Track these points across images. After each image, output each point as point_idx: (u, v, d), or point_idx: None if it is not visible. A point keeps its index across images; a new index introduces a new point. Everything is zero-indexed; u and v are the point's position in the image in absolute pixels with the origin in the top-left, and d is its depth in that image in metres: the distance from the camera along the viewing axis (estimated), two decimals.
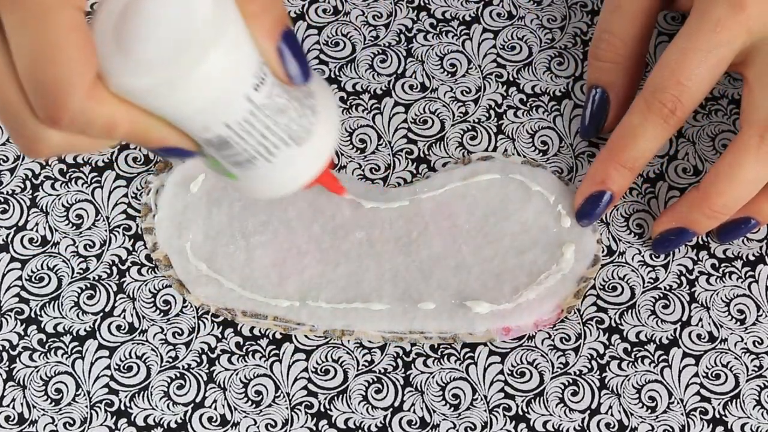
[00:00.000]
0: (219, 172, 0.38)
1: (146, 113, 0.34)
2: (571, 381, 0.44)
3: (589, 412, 0.44)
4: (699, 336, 0.45)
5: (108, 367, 0.45)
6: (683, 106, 0.43)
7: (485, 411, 0.44)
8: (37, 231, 0.47)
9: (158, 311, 0.46)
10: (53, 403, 0.44)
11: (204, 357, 0.45)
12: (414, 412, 0.44)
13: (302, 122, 0.36)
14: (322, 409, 0.44)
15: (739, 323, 0.45)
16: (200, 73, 0.32)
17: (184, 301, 0.46)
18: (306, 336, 0.45)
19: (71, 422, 0.43)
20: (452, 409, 0.44)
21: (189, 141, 0.36)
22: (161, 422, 0.44)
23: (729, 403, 0.44)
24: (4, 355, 0.45)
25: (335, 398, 0.44)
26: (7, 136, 0.49)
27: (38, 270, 0.46)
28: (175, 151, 0.36)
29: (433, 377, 0.44)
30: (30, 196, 0.48)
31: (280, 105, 0.35)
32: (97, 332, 0.45)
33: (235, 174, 0.37)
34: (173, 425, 0.43)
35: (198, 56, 0.32)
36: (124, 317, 0.45)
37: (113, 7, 0.34)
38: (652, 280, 0.46)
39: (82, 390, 0.44)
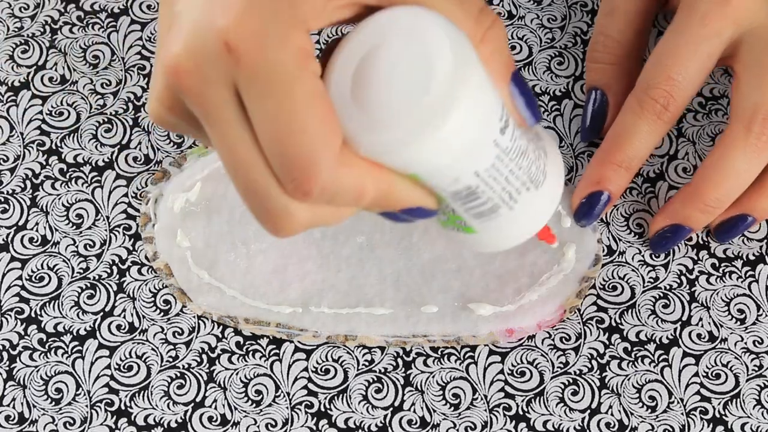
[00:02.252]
0: (453, 229, 0.37)
1: (394, 174, 0.33)
2: (571, 380, 0.44)
3: (589, 411, 0.44)
4: (699, 336, 0.45)
5: (108, 366, 0.45)
6: (675, 101, 0.43)
7: (485, 410, 0.44)
8: (37, 231, 0.47)
9: (158, 311, 0.46)
10: (53, 403, 0.44)
11: (204, 356, 0.45)
12: (414, 411, 0.44)
13: (539, 164, 0.35)
14: (322, 409, 0.44)
15: (739, 323, 0.45)
16: (452, 122, 0.31)
17: (176, 298, 0.46)
18: None
19: (71, 422, 0.43)
20: (452, 408, 0.44)
21: (433, 199, 0.35)
22: (161, 422, 0.44)
23: (729, 402, 0.44)
24: (5, 354, 0.45)
25: (335, 398, 0.44)
26: (7, 135, 0.49)
27: (38, 270, 0.46)
28: (417, 212, 0.35)
29: (433, 377, 0.44)
30: (30, 196, 0.48)
31: (522, 147, 0.34)
32: (98, 332, 0.45)
33: (475, 227, 0.36)
34: (173, 425, 0.43)
35: (449, 104, 0.31)
36: (124, 317, 0.45)
37: (346, 68, 0.33)
38: (652, 280, 0.46)
39: (83, 389, 0.44)
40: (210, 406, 0.44)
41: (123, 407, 0.44)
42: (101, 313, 0.45)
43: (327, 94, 0.32)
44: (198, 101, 0.32)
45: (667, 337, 0.45)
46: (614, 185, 0.44)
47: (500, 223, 0.36)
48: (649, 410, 0.44)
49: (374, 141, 0.32)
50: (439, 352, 0.45)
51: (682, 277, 0.46)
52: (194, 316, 0.45)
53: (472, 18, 0.34)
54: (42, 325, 0.45)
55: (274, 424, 0.44)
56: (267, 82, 0.31)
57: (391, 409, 0.44)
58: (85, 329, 0.45)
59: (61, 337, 0.45)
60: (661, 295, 0.46)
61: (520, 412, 0.44)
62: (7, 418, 0.44)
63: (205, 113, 0.33)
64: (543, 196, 0.36)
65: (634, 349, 0.45)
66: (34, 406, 0.44)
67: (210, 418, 0.44)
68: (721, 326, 0.45)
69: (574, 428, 0.43)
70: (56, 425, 0.43)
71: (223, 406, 0.44)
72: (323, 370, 0.45)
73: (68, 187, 0.48)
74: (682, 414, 0.44)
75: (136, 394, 0.44)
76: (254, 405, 0.44)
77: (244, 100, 0.32)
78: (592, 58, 0.47)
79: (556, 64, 0.50)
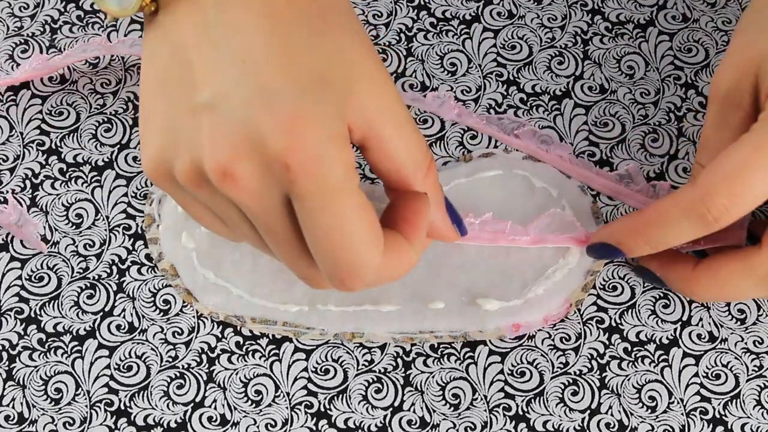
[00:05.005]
0: None
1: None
2: (571, 381, 0.44)
3: (589, 411, 0.44)
4: (699, 336, 0.45)
5: (108, 366, 0.44)
6: (729, 216, 0.39)
7: (485, 411, 0.44)
8: (37, 230, 0.47)
9: (158, 311, 0.46)
10: (53, 403, 0.44)
11: (204, 356, 0.45)
12: (414, 411, 0.44)
13: None
14: (322, 409, 0.44)
15: (739, 323, 0.45)
16: None
17: (184, 300, 0.46)
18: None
19: (71, 422, 0.43)
20: (452, 408, 0.44)
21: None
22: (161, 422, 0.44)
23: (729, 402, 0.44)
24: (4, 354, 0.45)
25: (335, 398, 0.44)
26: (7, 135, 0.49)
27: (38, 269, 0.46)
28: None
29: (433, 377, 0.44)
30: (30, 196, 0.48)
31: None
32: (97, 332, 0.45)
33: None
34: (173, 425, 0.43)
35: None
36: (123, 317, 0.45)
37: None
38: None
39: (82, 389, 0.44)
40: (210, 406, 0.44)
41: (123, 407, 0.44)
42: (101, 313, 0.45)
43: (369, 204, 0.36)
44: (252, 205, 0.35)
45: (667, 338, 0.45)
46: (633, 253, 0.43)
47: None
48: (649, 410, 0.44)
49: None
50: (439, 352, 0.45)
51: None
52: (194, 316, 0.45)
53: (424, 149, 0.39)
54: (42, 325, 0.45)
55: (273, 424, 0.44)
56: (321, 197, 0.34)
57: (390, 409, 0.44)
58: (85, 329, 0.45)
59: (61, 337, 0.45)
60: (661, 295, 0.46)
61: (520, 413, 0.44)
62: (7, 418, 0.44)
63: (256, 215, 0.36)
64: None
65: (634, 349, 0.45)
66: (34, 406, 0.44)
67: (210, 418, 0.44)
68: (721, 326, 0.45)
69: (574, 428, 0.43)
70: (56, 425, 0.43)
71: (223, 406, 0.44)
72: (323, 370, 0.44)
73: (68, 186, 0.48)
74: (682, 414, 0.43)
75: (136, 394, 0.44)
76: (254, 405, 0.44)
77: (297, 210, 0.35)
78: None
79: (556, 63, 0.50)
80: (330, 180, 0.34)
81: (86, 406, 0.44)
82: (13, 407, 0.44)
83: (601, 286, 0.46)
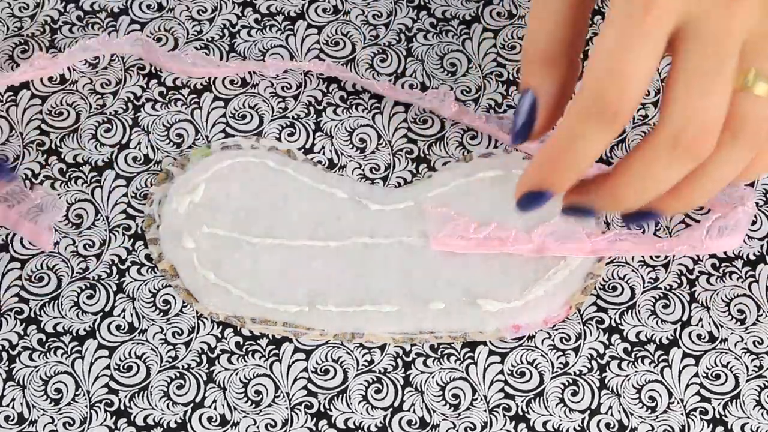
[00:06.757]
0: None
1: None
2: (571, 381, 0.44)
3: (589, 412, 0.44)
4: (699, 336, 0.45)
5: (108, 366, 0.44)
6: (625, 106, 0.38)
7: (485, 411, 0.44)
8: None
9: (158, 311, 0.46)
10: (53, 403, 0.44)
11: (204, 357, 0.45)
12: (414, 412, 0.44)
13: None
14: (322, 409, 0.44)
15: (739, 323, 0.45)
16: None
17: (184, 300, 0.46)
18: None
19: (71, 422, 0.43)
20: (452, 409, 0.44)
21: None
22: (161, 422, 0.44)
23: (729, 403, 0.44)
24: (4, 354, 0.45)
25: (335, 398, 0.44)
26: (7, 135, 0.49)
27: (38, 270, 0.46)
28: None
29: (432, 377, 0.44)
30: None
31: None
32: (97, 332, 0.45)
33: None
34: (173, 425, 0.43)
35: None
36: (123, 317, 0.45)
37: None
38: (652, 280, 0.46)
39: (82, 390, 0.44)
40: (209, 407, 0.44)
41: (122, 407, 0.44)
42: (101, 314, 0.45)
43: None
44: None
45: (667, 338, 0.45)
46: (559, 186, 0.41)
47: None
48: (649, 411, 0.44)
49: None
50: (439, 353, 0.45)
51: (682, 278, 0.46)
52: (194, 317, 0.45)
53: None
54: (41, 326, 0.45)
55: (273, 424, 0.44)
56: None
57: (390, 409, 0.44)
58: (85, 329, 0.45)
59: (61, 338, 0.45)
60: (661, 295, 0.46)
61: (520, 413, 0.44)
62: (7, 418, 0.44)
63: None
64: None
65: (634, 349, 0.45)
66: (34, 407, 0.44)
67: (209, 419, 0.44)
68: (721, 326, 0.45)
69: (574, 429, 0.43)
70: (56, 425, 0.43)
71: (223, 406, 0.44)
72: (323, 370, 0.45)
73: (68, 187, 0.48)
74: (682, 414, 0.44)
75: (136, 395, 0.44)
76: (254, 405, 0.44)
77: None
78: (524, 57, 0.42)
79: None
80: None
81: (86, 406, 0.44)
82: (13, 407, 0.44)
83: (601, 287, 0.46)
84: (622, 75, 0.37)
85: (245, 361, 0.45)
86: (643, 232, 0.47)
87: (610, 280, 0.46)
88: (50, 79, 0.50)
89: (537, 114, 0.41)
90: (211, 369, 0.44)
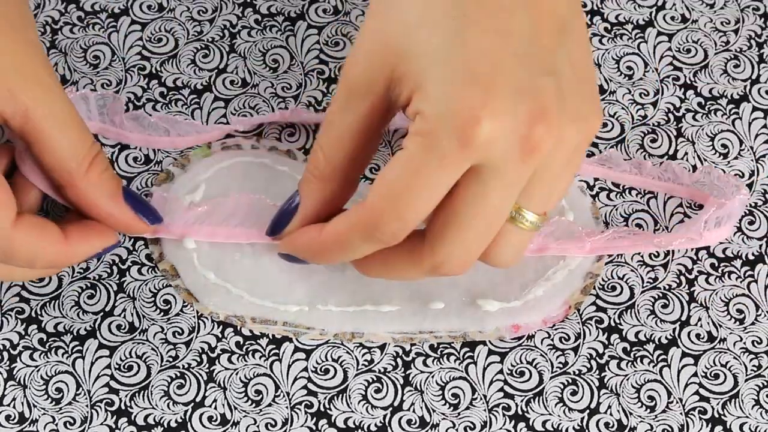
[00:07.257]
0: None
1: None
2: (570, 380, 0.44)
3: (588, 411, 0.44)
4: (698, 336, 0.45)
5: (108, 366, 0.45)
6: (401, 233, 0.39)
7: (485, 410, 0.44)
8: None
9: (158, 311, 0.46)
10: (54, 403, 0.44)
11: (204, 356, 0.45)
12: (413, 411, 0.44)
13: None
14: (322, 409, 0.44)
15: (738, 323, 0.45)
16: None
17: (184, 300, 0.46)
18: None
19: (72, 421, 0.44)
20: (452, 408, 0.44)
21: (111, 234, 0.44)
22: (161, 421, 0.44)
23: (728, 402, 0.44)
24: (5, 354, 0.45)
25: (335, 398, 0.44)
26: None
27: None
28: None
29: (432, 377, 0.44)
30: None
31: None
32: (98, 331, 0.45)
33: None
34: (173, 424, 0.44)
35: None
36: (124, 317, 0.45)
37: None
38: (651, 280, 0.46)
39: (83, 389, 0.44)
40: (210, 406, 0.44)
41: (123, 407, 0.44)
42: (101, 313, 0.46)
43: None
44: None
45: (666, 338, 0.45)
46: (315, 263, 0.43)
47: None
48: (648, 410, 0.44)
49: None
50: (439, 352, 0.45)
51: (681, 277, 0.46)
52: (194, 316, 0.45)
53: (87, 143, 0.41)
54: (42, 325, 0.45)
55: (273, 423, 0.44)
56: None
57: (390, 408, 0.44)
58: (86, 329, 0.45)
59: (62, 337, 0.45)
60: (660, 295, 0.46)
61: (520, 412, 0.44)
62: (8, 417, 0.44)
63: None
64: None
65: (633, 349, 0.45)
66: (35, 406, 0.44)
67: (210, 418, 0.44)
68: (720, 326, 0.45)
69: (573, 428, 0.43)
70: (56, 425, 0.43)
71: (223, 405, 0.44)
72: (323, 370, 0.45)
73: None
74: (681, 414, 0.44)
75: (136, 394, 0.44)
76: (254, 405, 0.44)
77: None
78: (307, 166, 0.42)
79: None
80: None
81: (87, 405, 0.44)
82: (14, 407, 0.44)
83: (600, 286, 0.46)
84: (404, 217, 0.38)
85: (245, 360, 0.45)
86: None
87: (609, 279, 0.46)
88: None
89: (293, 218, 0.43)
90: (211, 368, 0.45)
